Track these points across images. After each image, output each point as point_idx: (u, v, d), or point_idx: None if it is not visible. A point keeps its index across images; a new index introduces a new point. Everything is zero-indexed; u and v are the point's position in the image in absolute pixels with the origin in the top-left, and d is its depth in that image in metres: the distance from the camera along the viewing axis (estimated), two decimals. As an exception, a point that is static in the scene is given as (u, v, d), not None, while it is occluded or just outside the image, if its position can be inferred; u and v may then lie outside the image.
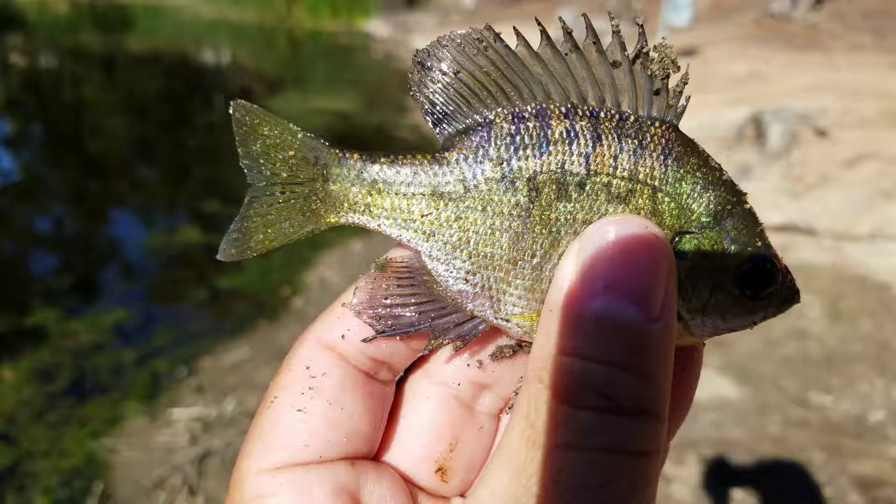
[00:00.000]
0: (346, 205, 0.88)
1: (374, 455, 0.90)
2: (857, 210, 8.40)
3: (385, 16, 29.68)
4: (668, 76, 0.79)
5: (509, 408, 0.90)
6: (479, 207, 0.82)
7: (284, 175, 0.90)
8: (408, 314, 0.84)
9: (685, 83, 0.79)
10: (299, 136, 0.90)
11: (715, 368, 5.66)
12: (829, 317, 6.48)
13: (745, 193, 0.81)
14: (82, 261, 8.26)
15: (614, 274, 0.71)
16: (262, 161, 0.91)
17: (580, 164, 0.79)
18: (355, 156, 0.88)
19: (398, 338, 0.85)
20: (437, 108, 0.84)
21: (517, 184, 0.81)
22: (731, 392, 5.40)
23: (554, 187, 0.80)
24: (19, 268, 8.06)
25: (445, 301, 0.85)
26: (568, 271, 0.74)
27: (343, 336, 0.86)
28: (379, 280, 0.86)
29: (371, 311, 0.84)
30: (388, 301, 0.84)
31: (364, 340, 0.85)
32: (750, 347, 5.97)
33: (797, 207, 8.63)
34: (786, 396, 5.37)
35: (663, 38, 0.79)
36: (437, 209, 0.85)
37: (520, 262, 0.82)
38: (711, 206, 0.80)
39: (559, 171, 0.80)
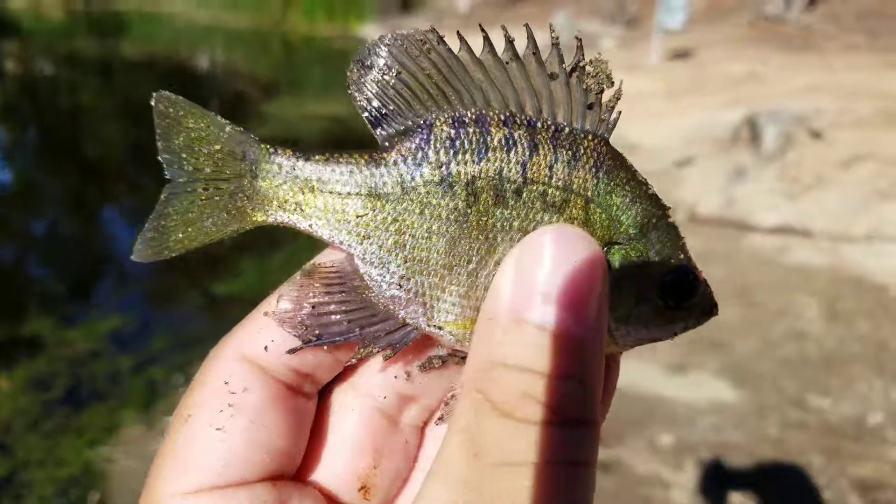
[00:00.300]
0: (275, 203, 0.85)
1: (295, 473, 0.86)
2: (853, 211, 8.41)
3: (380, 20, 29.69)
4: (602, 91, 0.79)
5: (437, 420, 0.88)
6: (417, 210, 0.81)
7: (208, 170, 0.87)
8: (336, 322, 0.82)
9: (618, 98, 0.80)
10: (227, 129, 0.86)
11: (713, 371, 5.66)
12: (827, 318, 6.48)
13: (669, 207, 0.82)
14: (78, 268, 8.25)
15: (554, 283, 0.70)
16: (184, 155, 0.88)
17: (517, 172, 0.79)
18: (288, 152, 0.85)
19: (325, 347, 0.82)
20: (376, 107, 0.82)
21: (455, 188, 0.80)
22: (729, 395, 5.40)
23: (492, 193, 0.79)
24: (15, 275, 8.04)
25: (376, 308, 0.83)
26: (507, 280, 0.73)
27: (266, 347, 0.82)
28: (305, 287, 0.83)
29: (296, 320, 0.81)
30: (316, 309, 0.82)
31: (289, 352, 0.81)
32: (748, 349, 5.97)
33: (793, 209, 8.65)
34: (784, 398, 5.37)
35: (599, 53, 0.79)
36: (374, 210, 0.82)
37: (455, 268, 0.81)
38: (639, 219, 0.81)
39: (497, 177, 0.79)
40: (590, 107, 0.79)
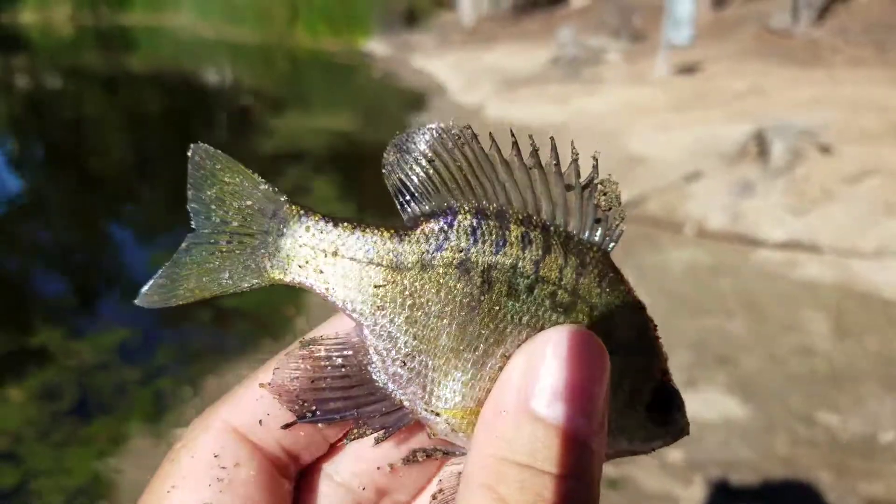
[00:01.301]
0: (295, 263, 0.86)
1: None
2: (861, 226, 8.40)
3: (384, 35, 29.79)
4: (610, 209, 0.84)
5: None
6: (434, 289, 0.83)
7: (235, 224, 0.88)
8: (334, 399, 0.81)
9: (622, 219, 0.84)
10: (261, 187, 0.88)
11: (721, 387, 5.64)
12: (836, 334, 6.46)
13: (655, 325, 0.87)
14: (86, 280, 8.27)
15: (565, 382, 0.71)
16: (213, 207, 0.88)
17: (531, 269, 0.82)
18: (317, 216, 0.86)
19: (320, 425, 0.81)
20: (408, 189, 0.85)
21: (472, 274, 0.82)
22: (737, 411, 5.38)
23: (506, 285, 0.82)
24: (24, 287, 8.08)
25: (375, 386, 0.83)
26: (518, 372, 0.74)
27: (261, 421, 0.80)
28: (305, 359, 0.82)
29: (294, 394, 0.80)
30: (314, 383, 0.81)
31: (284, 427, 0.79)
32: (756, 365, 5.95)
33: (801, 224, 8.64)
34: (793, 415, 5.35)
35: (610, 175, 0.84)
36: (392, 283, 0.83)
37: (462, 353, 0.82)
38: (632, 332, 0.84)
39: (512, 270, 0.82)
40: (597, 221, 0.84)
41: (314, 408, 0.80)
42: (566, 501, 0.68)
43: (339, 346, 0.84)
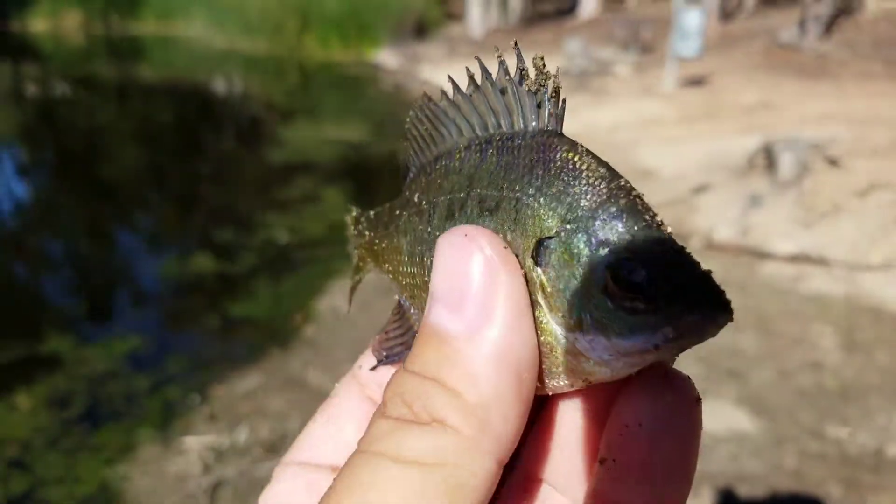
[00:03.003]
0: (366, 259, 1.10)
1: None
2: (870, 239, 8.39)
3: (394, 46, 29.91)
4: (543, 85, 0.78)
5: None
6: (404, 237, 0.93)
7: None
8: (396, 345, 0.92)
9: (558, 88, 0.77)
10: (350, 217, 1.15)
11: (730, 400, 5.63)
12: (844, 348, 6.44)
13: (630, 189, 0.68)
14: (96, 288, 8.30)
15: (437, 285, 0.70)
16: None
17: (464, 185, 0.82)
18: (361, 219, 1.10)
19: (390, 366, 0.92)
20: (403, 166, 0.99)
21: (424, 213, 0.88)
22: (746, 425, 5.37)
23: (444, 210, 0.84)
24: (34, 294, 8.10)
25: (415, 329, 0.91)
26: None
27: (360, 367, 0.95)
28: (388, 321, 0.97)
29: (375, 346, 0.94)
30: (386, 334, 0.94)
31: (371, 369, 0.93)
32: (764, 378, 5.94)
33: (810, 237, 8.63)
34: (802, 429, 5.33)
35: (538, 54, 0.79)
36: (381, 243, 1.01)
37: (428, 283, 0.82)
38: (579, 206, 0.69)
39: (450, 194, 0.84)
40: (538, 105, 0.78)
41: (385, 353, 0.92)
42: (414, 398, 0.67)
43: (397, 303, 0.98)
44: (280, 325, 7.02)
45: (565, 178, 0.71)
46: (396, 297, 0.98)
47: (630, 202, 0.67)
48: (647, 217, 0.66)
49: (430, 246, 0.84)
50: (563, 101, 0.77)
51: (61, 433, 5.28)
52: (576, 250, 0.67)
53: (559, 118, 0.77)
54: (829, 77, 16.82)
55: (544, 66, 0.78)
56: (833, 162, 10.14)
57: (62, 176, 13.36)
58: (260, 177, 13.25)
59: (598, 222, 0.67)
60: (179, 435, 5.31)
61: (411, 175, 0.97)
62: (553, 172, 0.72)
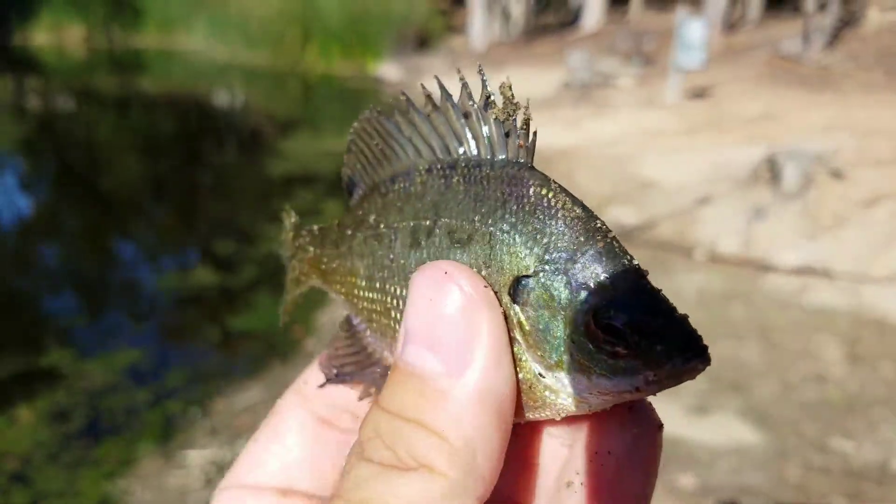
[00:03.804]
0: (310, 275, 1.05)
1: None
2: (874, 251, 8.38)
3: (395, 59, 30.01)
4: (512, 115, 0.76)
5: None
6: (359, 261, 0.90)
7: (288, 254, 1.10)
8: (347, 363, 0.89)
9: (528, 119, 0.75)
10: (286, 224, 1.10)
11: (733, 413, 5.61)
12: (849, 360, 6.42)
13: (607, 231, 0.69)
14: (96, 301, 8.30)
15: (414, 323, 0.68)
16: (279, 249, 1.13)
17: (430, 214, 0.79)
18: (303, 232, 1.04)
19: (341, 386, 0.89)
20: (347, 180, 0.96)
21: (383, 238, 0.85)
22: (750, 437, 5.35)
23: (408, 238, 0.81)
24: (34, 307, 8.10)
25: (367, 352, 0.89)
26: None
27: (306, 382, 0.92)
28: (335, 336, 0.94)
29: (323, 362, 0.91)
30: (336, 351, 0.91)
31: (318, 387, 0.89)
32: (768, 391, 5.92)
33: (813, 249, 8.62)
34: (806, 442, 5.31)
35: (507, 78, 0.76)
36: (334, 264, 0.96)
37: (391, 311, 0.84)
38: (556, 248, 0.69)
39: (413, 221, 0.81)
40: (507, 135, 0.76)
41: (335, 371, 0.88)
42: (396, 441, 0.65)
43: (348, 323, 0.94)
44: (280, 338, 7.01)
45: (541, 216, 0.71)
46: (346, 312, 0.95)
47: (608, 245, 0.68)
48: (626, 260, 0.67)
49: (393, 273, 0.83)
50: (535, 133, 0.76)
51: (62, 447, 5.26)
52: (556, 292, 0.68)
53: (530, 151, 0.76)
54: (833, 88, 16.85)
55: (512, 95, 0.76)
56: (837, 173, 10.14)
57: (63, 188, 13.39)
58: (260, 189, 13.28)
59: (577, 265, 0.67)
60: (180, 448, 5.30)
61: (360, 192, 0.93)
62: (528, 209, 0.72)
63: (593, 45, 25.39)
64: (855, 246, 8.54)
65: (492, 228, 0.73)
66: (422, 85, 0.85)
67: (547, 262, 0.69)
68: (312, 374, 0.92)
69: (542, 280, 0.69)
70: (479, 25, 32.45)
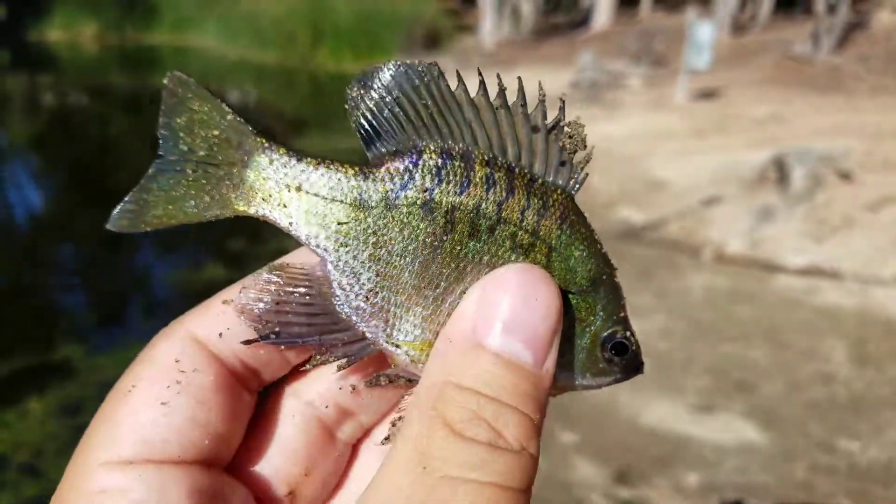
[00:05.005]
0: (259, 196, 0.87)
1: (226, 466, 0.84)
2: (882, 253, 8.36)
3: (404, 59, 29.95)
4: (575, 152, 0.84)
5: (383, 440, 0.87)
6: (397, 228, 0.84)
7: (202, 153, 0.88)
8: (297, 323, 0.83)
9: (588, 161, 0.85)
10: (228, 117, 0.88)
11: (740, 413, 5.61)
12: (856, 361, 6.42)
13: (616, 268, 0.88)
14: (108, 295, 8.33)
15: (514, 317, 0.76)
16: (182, 135, 0.89)
17: (494, 210, 0.83)
18: (282, 150, 0.88)
19: (282, 347, 0.83)
20: (371, 126, 0.86)
21: (436, 214, 0.83)
22: (756, 437, 5.35)
23: (468, 225, 0.83)
24: (47, 302, 8.14)
25: (338, 317, 0.84)
26: (471, 306, 0.78)
27: (221, 334, 0.82)
28: (272, 283, 0.84)
29: (256, 314, 0.82)
30: (279, 306, 0.83)
31: (245, 343, 0.81)
32: (775, 391, 5.92)
33: (821, 250, 8.60)
34: (812, 441, 5.31)
35: (578, 116, 0.84)
36: (356, 220, 0.85)
37: (423, 290, 0.84)
38: (592, 273, 0.86)
39: (475, 211, 0.83)
40: (562, 164, 0.84)
41: (277, 329, 0.81)
42: (504, 426, 0.72)
43: (304, 276, 0.85)
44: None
45: (586, 246, 0.86)
46: (293, 261, 0.88)
47: (618, 280, 0.89)
48: (623, 294, 0.89)
49: (445, 255, 0.84)
50: (587, 175, 0.86)
51: (72, 440, 5.25)
52: (593, 314, 0.86)
53: (577, 186, 0.86)
54: (842, 90, 16.79)
55: (585, 134, 0.85)
56: (845, 175, 10.11)
57: (76, 184, 13.43)
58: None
59: (604, 291, 0.86)
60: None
61: (386, 147, 0.86)
62: (576, 237, 0.86)
63: (603, 45, 25.31)
64: (862, 247, 8.52)
65: (551, 242, 0.85)
66: (498, 74, 0.84)
67: (584, 284, 0.86)
68: (217, 323, 0.83)
69: (585, 299, 0.86)
70: (489, 25, 32.36)
